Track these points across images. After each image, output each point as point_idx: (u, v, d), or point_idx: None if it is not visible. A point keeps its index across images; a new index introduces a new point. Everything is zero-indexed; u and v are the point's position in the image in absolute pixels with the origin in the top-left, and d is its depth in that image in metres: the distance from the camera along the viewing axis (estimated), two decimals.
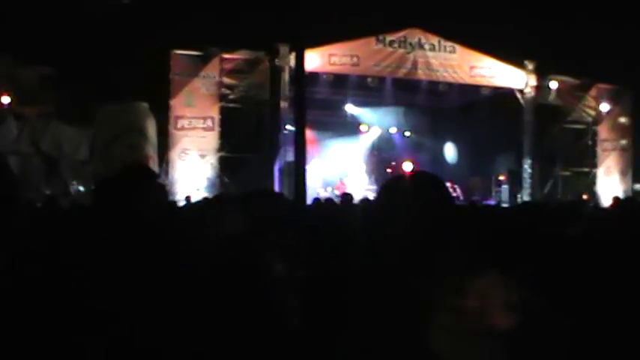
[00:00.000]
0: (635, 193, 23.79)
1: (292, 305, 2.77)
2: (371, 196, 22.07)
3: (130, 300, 2.81)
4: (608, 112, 23.99)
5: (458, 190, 23.01)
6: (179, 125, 19.92)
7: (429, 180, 2.11)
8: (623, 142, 24.42)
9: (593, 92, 24.04)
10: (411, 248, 1.92)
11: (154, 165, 18.14)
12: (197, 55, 20.08)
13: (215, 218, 3.93)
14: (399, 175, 2.22)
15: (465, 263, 1.88)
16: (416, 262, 1.92)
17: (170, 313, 2.88)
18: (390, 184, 2.15)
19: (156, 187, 4.08)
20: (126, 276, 2.91)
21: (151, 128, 19.43)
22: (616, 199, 14.81)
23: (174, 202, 13.56)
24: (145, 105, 19.46)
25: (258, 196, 3.97)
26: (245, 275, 2.93)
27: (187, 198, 16.25)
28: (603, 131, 24.33)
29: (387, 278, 2.00)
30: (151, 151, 19.27)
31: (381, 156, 27.98)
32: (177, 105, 19.89)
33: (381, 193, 2.14)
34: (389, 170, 28.02)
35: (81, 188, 19.71)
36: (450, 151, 27.70)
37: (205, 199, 8.17)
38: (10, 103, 19.69)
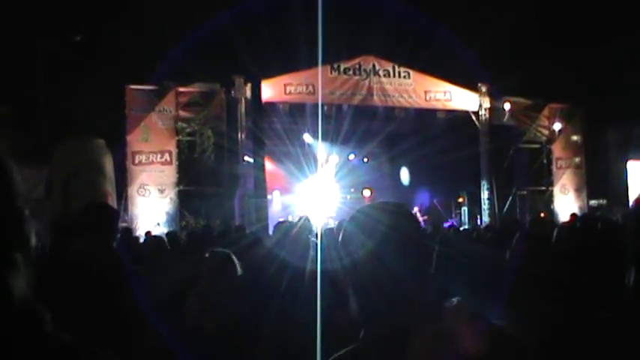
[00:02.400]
0: (591, 209, 24.15)
1: None
2: (332, 223, 22.15)
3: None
4: (560, 131, 24.39)
5: (420, 216, 23.15)
6: (137, 160, 19.78)
7: (400, 210, 2.10)
8: (577, 159, 24.82)
9: (545, 112, 24.45)
10: (386, 276, 1.92)
11: (112, 202, 17.92)
12: (152, 90, 20.00)
13: None
14: (370, 205, 2.18)
15: (438, 289, 1.89)
16: (391, 289, 1.91)
17: None
18: (361, 213, 2.12)
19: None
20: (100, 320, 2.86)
21: (109, 164, 19.20)
22: (573, 215, 15.07)
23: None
24: (102, 141, 19.26)
25: None
26: None
27: (147, 233, 16.05)
28: (557, 150, 24.69)
29: (363, 304, 2.00)
30: (110, 187, 19.04)
31: (340, 183, 28.06)
32: (134, 140, 19.76)
33: (353, 222, 2.11)
34: (348, 197, 28.14)
35: (37, 227, 19.34)
36: (405, 176, 27.87)
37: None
38: None
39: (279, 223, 5.58)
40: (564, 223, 13.18)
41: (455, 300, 1.90)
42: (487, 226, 16.07)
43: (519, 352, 1.84)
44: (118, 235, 4.37)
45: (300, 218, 5.38)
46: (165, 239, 9.59)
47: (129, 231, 13.45)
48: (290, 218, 23.44)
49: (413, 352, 1.83)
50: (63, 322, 2.79)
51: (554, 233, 7.19)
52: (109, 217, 4.12)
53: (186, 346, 4.04)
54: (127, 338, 3.01)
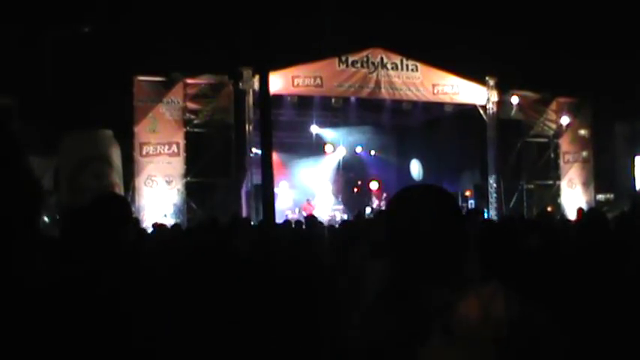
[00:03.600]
0: (598, 203, 24.11)
1: None
2: (339, 216, 22.22)
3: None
4: (568, 125, 24.34)
5: None
6: (144, 152, 19.79)
7: (443, 193, 2.09)
8: (584, 153, 24.77)
9: (553, 106, 24.39)
10: (420, 259, 1.93)
11: (119, 193, 17.95)
12: (160, 81, 19.97)
13: None
14: (413, 187, 2.18)
15: (466, 273, 1.91)
16: (422, 272, 1.93)
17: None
18: (406, 195, 2.11)
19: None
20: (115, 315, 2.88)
21: (116, 156, 19.25)
22: (580, 210, 15.04)
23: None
24: (109, 132, 19.29)
25: None
26: None
27: (154, 225, 16.05)
28: (565, 144, 24.65)
29: (392, 284, 2.02)
30: (117, 178, 19.09)
31: (348, 176, 28.10)
32: (142, 131, 19.76)
33: (398, 203, 2.09)
34: (356, 190, 28.17)
35: (45, 219, 19.41)
36: (415, 169, 27.89)
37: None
38: None
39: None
40: (574, 220, 13.14)
41: (492, 281, 1.92)
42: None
43: (548, 337, 1.86)
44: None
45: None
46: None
47: (137, 222, 13.45)
48: (297, 210, 23.57)
49: (437, 336, 1.86)
50: (73, 315, 2.81)
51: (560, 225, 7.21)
52: (121, 210, 4.10)
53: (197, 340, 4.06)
54: (137, 330, 3.03)
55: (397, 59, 21.92)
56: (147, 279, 3.51)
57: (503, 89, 23.13)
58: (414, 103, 22.57)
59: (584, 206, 20.47)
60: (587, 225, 7.39)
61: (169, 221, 17.58)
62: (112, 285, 3.07)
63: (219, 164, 20.39)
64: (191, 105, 20.29)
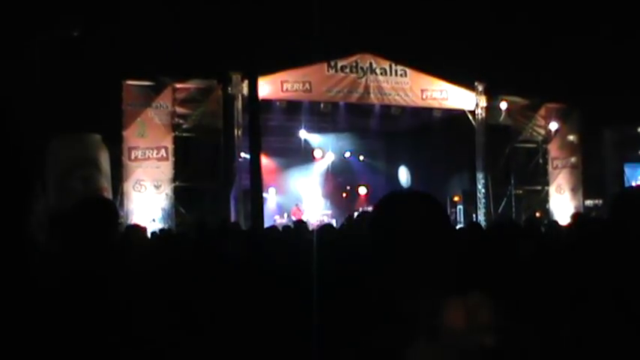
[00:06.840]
0: (587, 209, 24.20)
1: None
2: (327, 220, 22.18)
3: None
4: (557, 131, 24.42)
5: None
6: (133, 156, 19.73)
7: (430, 198, 2.08)
8: (573, 159, 24.85)
9: (542, 112, 24.46)
10: (403, 268, 1.92)
11: (107, 197, 17.86)
12: (149, 85, 19.94)
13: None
14: (401, 192, 2.17)
15: (447, 283, 1.90)
16: (403, 282, 1.92)
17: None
18: (395, 199, 2.10)
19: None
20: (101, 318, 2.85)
21: (105, 160, 19.19)
22: (575, 216, 15.05)
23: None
24: (98, 137, 19.24)
25: None
26: None
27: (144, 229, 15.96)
28: (553, 149, 24.71)
29: (371, 296, 2.00)
30: (105, 183, 19.03)
31: (337, 181, 28.08)
32: (131, 136, 19.70)
33: (387, 206, 2.08)
34: (344, 195, 28.18)
35: (32, 221, 19.29)
36: (403, 175, 27.91)
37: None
38: None
39: None
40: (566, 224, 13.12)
41: (480, 290, 1.91)
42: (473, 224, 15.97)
43: (534, 350, 1.85)
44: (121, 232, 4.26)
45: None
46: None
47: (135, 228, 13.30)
48: (285, 215, 23.55)
49: (418, 347, 1.85)
50: (61, 321, 2.79)
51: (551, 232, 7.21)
52: (105, 212, 4.06)
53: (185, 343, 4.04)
54: (125, 336, 3.01)
55: (386, 64, 21.95)
56: (134, 282, 3.48)
57: (492, 94, 23.17)
58: (403, 108, 22.57)
59: (573, 211, 20.54)
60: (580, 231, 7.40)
61: (157, 226, 17.55)
62: (98, 288, 3.04)
63: (208, 169, 20.35)
64: (180, 109, 20.25)
